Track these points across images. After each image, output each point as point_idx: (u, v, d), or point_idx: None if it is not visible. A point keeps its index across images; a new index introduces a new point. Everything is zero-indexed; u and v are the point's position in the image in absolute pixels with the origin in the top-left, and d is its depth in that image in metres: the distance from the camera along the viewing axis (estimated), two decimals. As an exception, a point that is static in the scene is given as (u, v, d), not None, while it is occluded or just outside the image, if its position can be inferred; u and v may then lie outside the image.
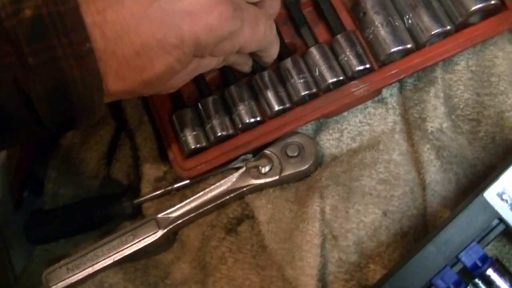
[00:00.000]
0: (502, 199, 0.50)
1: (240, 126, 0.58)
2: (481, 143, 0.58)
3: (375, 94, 0.60)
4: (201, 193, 0.59)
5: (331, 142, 0.60)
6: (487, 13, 0.59)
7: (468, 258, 0.50)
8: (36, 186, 0.66)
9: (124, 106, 0.62)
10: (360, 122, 0.60)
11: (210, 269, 0.57)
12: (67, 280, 0.58)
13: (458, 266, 0.50)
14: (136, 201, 0.61)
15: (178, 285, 0.59)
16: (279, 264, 0.55)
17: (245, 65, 0.58)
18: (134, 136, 0.62)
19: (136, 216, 0.62)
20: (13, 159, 0.66)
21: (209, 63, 0.50)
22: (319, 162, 0.60)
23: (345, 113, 0.60)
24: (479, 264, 0.50)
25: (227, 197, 0.58)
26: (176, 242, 0.61)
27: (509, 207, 0.50)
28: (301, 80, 0.58)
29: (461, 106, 0.59)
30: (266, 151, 0.59)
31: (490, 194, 0.50)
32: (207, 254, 0.58)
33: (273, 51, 0.56)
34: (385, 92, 0.61)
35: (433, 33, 0.57)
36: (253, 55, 0.57)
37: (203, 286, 0.58)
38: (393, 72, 0.58)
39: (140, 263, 0.60)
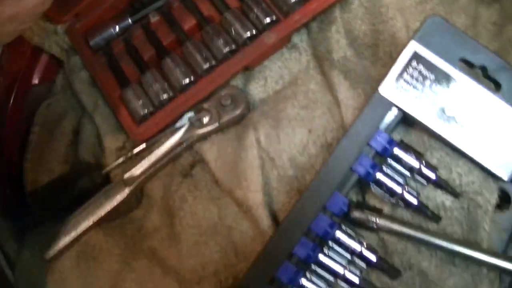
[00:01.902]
0: (396, 89, 0.60)
1: (178, 88, 0.68)
2: (382, 62, 0.68)
3: (285, 41, 0.70)
4: (157, 150, 0.68)
5: (258, 89, 0.70)
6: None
7: (378, 144, 0.60)
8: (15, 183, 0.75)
9: (80, 95, 0.73)
10: (279, 67, 0.71)
11: (175, 210, 0.67)
12: (56, 247, 0.67)
13: (371, 152, 0.60)
14: (103, 171, 0.70)
15: (151, 233, 0.67)
16: (229, 191, 0.64)
17: None
18: (93, 117, 0.72)
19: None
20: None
21: None
22: (251, 107, 0.70)
23: (266, 63, 0.71)
24: (387, 146, 0.60)
25: (178, 148, 0.68)
26: (144, 198, 0.69)
27: (402, 96, 0.60)
28: (221, 41, 0.68)
29: (361, 36, 0.69)
30: (204, 105, 0.69)
31: (383, 89, 0.60)
32: (170, 198, 0.67)
33: None
34: (296, 39, 0.71)
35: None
36: None
37: (172, 227, 0.66)
38: (296, 18, 0.69)
39: (116, 222, 0.69)
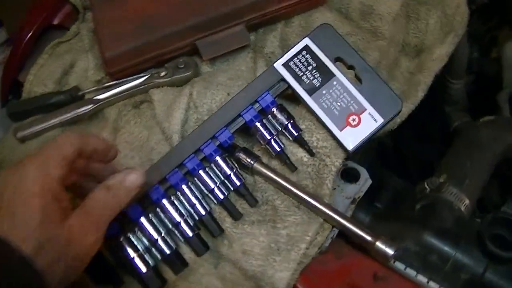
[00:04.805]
0: (287, 67, 0.82)
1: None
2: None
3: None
4: (121, 86, 0.92)
5: (208, 65, 0.94)
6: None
7: (263, 101, 0.81)
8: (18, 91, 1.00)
9: (83, 37, 0.99)
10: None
11: (119, 128, 0.89)
12: (26, 132, 0.91)
13: (258, 107, 0.82)
14: (80, 92, 0.94)
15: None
16: (160, 122, 0.87)
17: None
18: (88, 56, 0.97)
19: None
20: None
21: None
22: (198, 74, 0.93)
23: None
24: (270, 105, 0.81)
25: (136, 89, 0.92)
26: (103, 120, 0.93)
27: (289, 73, 0.82)
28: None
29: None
30: (166, 65, 0.93)
31: (278, 64, 0.82)
32: (119, 121, 0.90)
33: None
34: (246, 37, 0.95)
35: None
36: None
37: (115, 140, 0.89)
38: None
39: (74, 127, 0.92)
